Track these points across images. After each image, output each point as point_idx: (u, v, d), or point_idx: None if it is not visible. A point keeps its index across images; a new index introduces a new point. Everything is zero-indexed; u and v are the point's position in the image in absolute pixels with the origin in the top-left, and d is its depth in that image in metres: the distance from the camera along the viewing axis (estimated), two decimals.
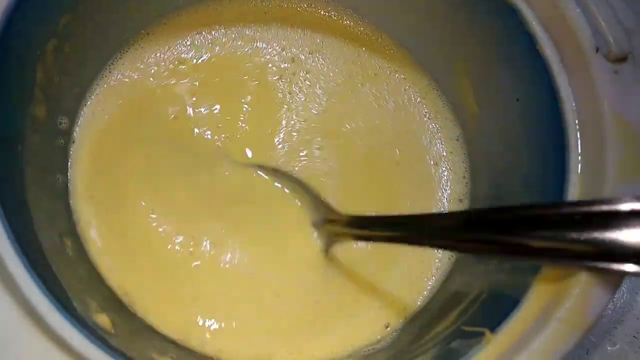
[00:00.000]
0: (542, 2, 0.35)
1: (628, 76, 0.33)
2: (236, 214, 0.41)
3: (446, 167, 0.44)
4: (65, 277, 0.32)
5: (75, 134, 0.41)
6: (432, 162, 0.45)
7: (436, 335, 0.35)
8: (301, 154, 0.43)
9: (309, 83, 0.45)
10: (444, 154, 0.45)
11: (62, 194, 0.39)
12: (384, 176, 0.44)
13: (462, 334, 0.31)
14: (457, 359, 0.29)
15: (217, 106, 0.44)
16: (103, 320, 0.32)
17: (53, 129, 0.39)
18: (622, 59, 0.33)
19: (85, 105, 0.42)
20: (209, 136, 0.43)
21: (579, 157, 0.33)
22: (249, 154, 0.43)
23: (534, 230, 0.27)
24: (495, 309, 0.32)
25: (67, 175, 0.40)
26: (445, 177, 0.44)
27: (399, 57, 0.47)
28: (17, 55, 0.34)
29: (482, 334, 0.30)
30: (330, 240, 0.40)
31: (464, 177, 0.44)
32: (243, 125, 0.44)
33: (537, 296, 0.30)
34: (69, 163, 0.41)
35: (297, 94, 0.45)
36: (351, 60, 0.46)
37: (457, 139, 0.45)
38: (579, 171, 0.33)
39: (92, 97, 0.43)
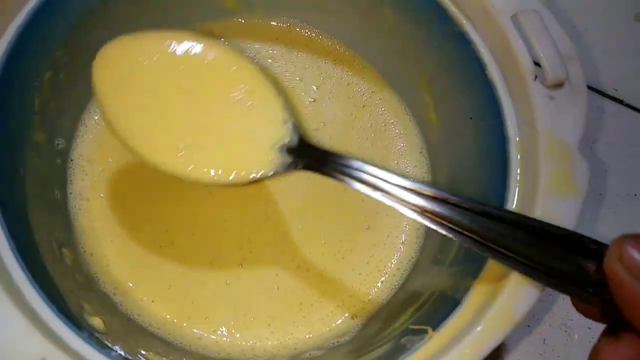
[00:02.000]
0: (489, 30, 0.39)
1: (562, 101, 0.37)
2: None
3: (414, 179, 0.48)
4: (63, 284, 0.36)
5: (72, 152, 0.46)
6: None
7: (393, 330, 0.39)
8: None
9: None
10: (409, 168, 0.49)
11: (61, 208, 0.43)
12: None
13: (411, 331, 0.36)
14: (403, 353, 0.33)
15: None
16: (96, 321, 0.36)
17: (51, 150, 0.43)
18: (558, 85, 0.37)
19: (80, 125, 0.47)
20: None
21: (518, 172, 0.37)
22: None
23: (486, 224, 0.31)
24: (440, 309, 0.36)
25: (64, 191, 0.44)
26: None
27: (370, 75, 0.51)
28: (17, 89, 0.38)
29: (426, 332, 0.34)
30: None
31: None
32: None
33: (473, 298, 0.34)
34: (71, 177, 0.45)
35: None
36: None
37: (421, 152, 0.49)
38: (517, 185, 0.37)
39: (86, 116, 0.47)
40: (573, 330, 0.50)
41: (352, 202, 0.47)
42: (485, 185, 0.40)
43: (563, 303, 0.50)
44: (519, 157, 0.37)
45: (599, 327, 0.48)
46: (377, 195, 0.32)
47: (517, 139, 0.38)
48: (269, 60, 0.51)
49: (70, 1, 0.40)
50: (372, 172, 0.33)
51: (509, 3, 0.39)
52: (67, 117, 0.45)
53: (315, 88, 0.51)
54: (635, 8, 0.62)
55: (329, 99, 0.50)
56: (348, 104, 0.50)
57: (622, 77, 0.59)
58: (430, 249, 0.45)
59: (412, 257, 0.46)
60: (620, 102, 0.58)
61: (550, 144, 0.36)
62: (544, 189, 0.35)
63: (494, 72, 0.39)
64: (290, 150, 0.35)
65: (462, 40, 0.40)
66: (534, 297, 0.32)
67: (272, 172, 0.35)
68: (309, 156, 0.35)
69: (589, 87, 0.57)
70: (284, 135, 0.36)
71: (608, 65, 0.59)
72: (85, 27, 0.42)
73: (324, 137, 0.49)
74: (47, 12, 0.38)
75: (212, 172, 0.35)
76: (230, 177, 0.35)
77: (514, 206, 0.36)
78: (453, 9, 0.41)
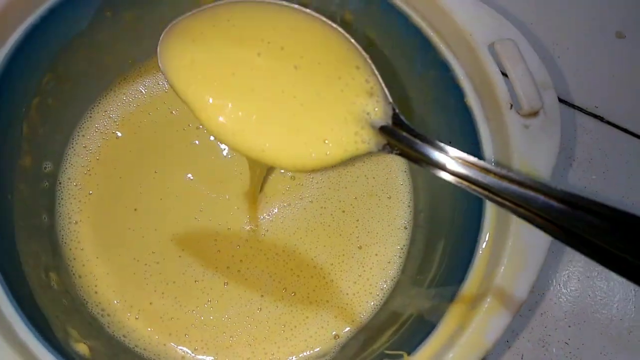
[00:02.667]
0: (469, 60, 0.40)
1: (536, 130, 0.38)
2: None
3: (397, 198, 0.50)
4: (50, 309, 0.37)
5: (60, 175, 0.47)
6: (387, 196, 0.50)
7: (372, 352, 0.40)
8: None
9: None
10: (395, 185, 0.50)
11: (48, 231, 0.44)
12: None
13: (388, 356, 0.37)
14: None
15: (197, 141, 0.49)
16: (82, 348, 0.37)
17: (38, 173, 0.44)
18: (533, 114, 0.38)
19: (69, 148, 0.48)
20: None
21: None
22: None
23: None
24: (416, 332, 0.37)
25: (51, 214, 0.45)
26: (396, 207, 0.49)
27: None
28: (5, 115, 0.39)
29: (402, 357, 0.35)
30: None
31: (409, 205, 0.49)
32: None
33: (448, 322, 0.35)
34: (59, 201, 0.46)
35: None
36: None
37: (405, 171, 0.50)
38: (491, 209, 0.38)
39: (75, 140, 0.48)
40: (551, 345, 0.51)
41: (349, 223, 0.48)
42: (461, 210, 0.42)
43: (541, 318, 0.51)
44: None
45: (575, 342, 0.50)
46: (477, 191, 0.31)
47: (493, 164, 0.39)
48: None
49: (54, 29, 0.41)
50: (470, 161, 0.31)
51: (487, 32, 0.40)
52: (55, 141, 0.46)
53: None
54: (616, 26, 0.63)
55: None
56: None
57: (603, 95, 0.60)
58: (410, 270, 0.46)
59: (394, 277, 0.47)
60: (601, 119, 0.60)
61: (524, 170, 0.37)
62: (517, 218, 0.36)
63: (472, 100, 0.40)
64: (385, 129, 0.33)
65: (443, 68, 0.41)
66: (505, 324, 0.34)
67: (364, 152, 0.33)
68: (402, 140, 0.33)
69: (569, 104, 0.58)
70: (377, 111, 0.34)
71: (588, 83, 0.60)
72: (71, 53, 0.43)
73: None
74: (31, 40, 0.39)
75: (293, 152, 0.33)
76: (313, 156, 0.33)
77: (487, 234, 0.37)
78: (435, 38, 0.42)
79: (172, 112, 0.50)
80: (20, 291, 0.35)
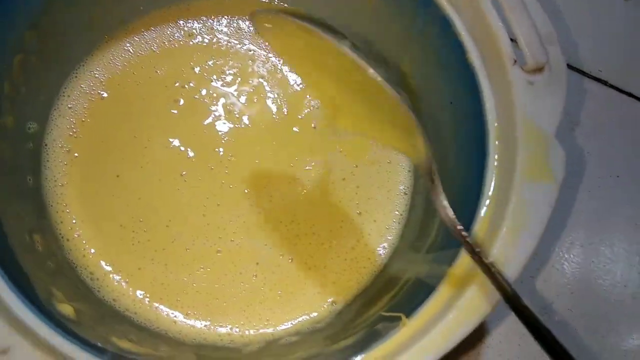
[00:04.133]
0: (470, 14, 0.39)
1: (541, 86, 0.36)
2: None
3: (396, 162, 0.48)
4: (33, 271, 0.36)
5: (46, 137, 0.45)
6: (387, 160, 0.48)
7: (368, 317, 0.39)
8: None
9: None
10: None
11: (32, 193, 0.43)
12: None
13: (386, 318, 0.36)
14: (377, 339, 0.33)
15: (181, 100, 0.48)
16: (66, 309, 0.36)
17: (22, 134, 0.42)
18: (538, 70, 0.37)
19: (54, 110, 0.46)
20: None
21: (495, 157, 0.37)
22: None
23: None
24: (414, 296, 0.36)
25: (37, 176, 0.44)
26: (395, 172, 0.48)
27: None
28: None
29: (399, 319, 0.34)
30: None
31: (409, 170, 0.48)
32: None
33: (447, 285, 0.34)
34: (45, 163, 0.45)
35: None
36: None
37: None
38: (494, 170, 0.36)
39: (60, 102, 0.46)
40: (553, 312, 0.50)
41: (350, 190, 0.47)
42: (464, 169, 0.40)
43: (543, 285, 0.50)
44: (497, 142, 0.37)
45: (578, 309, 0.49)
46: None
47: (496, 124, 0.37)
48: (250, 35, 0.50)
49: None
50: None
51: None
52: (39, 101, 0.44)
53: None
54: None
55: None
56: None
57: (608, 58, 0.58)
58: (409, 235, 0.45)
59: (393, 243, 0.46)
60: (605, 83, 0.58)
61: (527, 130, 0.35)
62: (520, 175, 0.35)
63: (474, 57, 0.39)
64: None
65: (444, 24, 0.40)
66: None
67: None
68: None
69: (573, 68, 0.56)
70: None
71: (593, 46, 0.58)
72: (57, 8, 0.41)
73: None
74: None
75: None
76: None
77: (490, 191, 0.36)
78: None
79: (156, 72, 0.48)
80: (1, 251, 0.34)
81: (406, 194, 0.47)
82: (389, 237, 0.46)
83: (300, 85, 0.49)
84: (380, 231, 0.46)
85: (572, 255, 0.51)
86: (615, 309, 0.50)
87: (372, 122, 0.47)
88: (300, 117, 0.48)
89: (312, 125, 0.48)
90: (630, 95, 0.57)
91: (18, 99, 0.41)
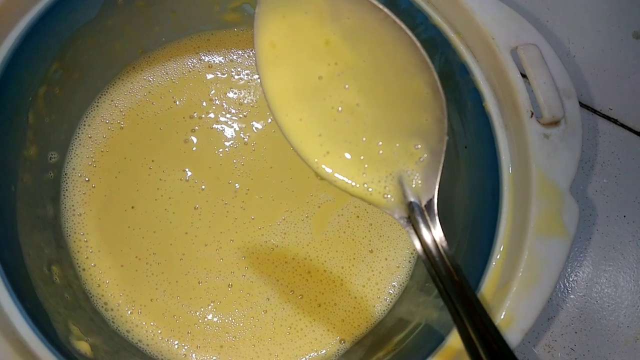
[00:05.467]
0: (489, 63, 0.39)
1: (557, 140, 0.37)
2: None
3: None
4: (51, 305, 0.36)
5: (65, 166, 0.46)
6: None
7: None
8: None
9: None
10: None
11: (51, 223, 0.43)
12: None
13: None
14: None
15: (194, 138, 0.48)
16: (83, 346, 0.36)
17: (44, 164, 0.43)
18: (554, 123, 0.37)
19: (74, 139, 0.46)
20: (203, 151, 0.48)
21: (509, 209, 0.37)
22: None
23: None
24: (424, 344, 0.36)
25: (56, 205, 0.44)
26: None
27: None
28: (11, 105, 0.38)
29: None
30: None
31: None
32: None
33: (457, 337, 0.34)
34: (64, 192, 0.45)
35: None
36: None
37: None
38: (507, 222, 0.37)
39: (80, 131, 0.47)
40: (556, 351, 0.51)
41: (363, 227, 0.47)
42: (475, 218, 0.41)
43: (547, 323, 0.51)
44: (510, 192, 0.37)
45: (581, 348, 0.50)
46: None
47: (510, 174, 0.38)
48: None
49: (64, 17, 0.40)
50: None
51: (509, 36, 0.38)
52: (61, 131, 0.45)
53: None
54: (633, 26, 0.61)
55: None
56: None
57: (618, 96, 0.59)
58: (419, 276, 0.45)
59: (403, 283, 0.46)
60: (615, 121, 0.58)
61: (542, 183, 0.36)
62: (533, 229, 0.35)
63: (491, 105, 0.39)
64: (415, 206, 0.34)
65: (462, 70, 0.40)
66: (516, 341, 0.33)
67: (381, 208, 0.34)
68: (419, 228, 0.34)
69: (583, 105, 0.57)
70: (413, 177, 0.35)
71: (603, 84, 0.59)
72: (80, 42, 0.42)
73: None
74: (39, 28, 0.38)
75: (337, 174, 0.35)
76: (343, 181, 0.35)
77: (503, 243, 0.36)
78: (455, 39, 0.40)
79: (175, 102, 0.49)
80: (22, 286, 0.35)
81: None
82: (399, 276, 0.46)
83: None
84: (390, 269, 0.46)
85: (577, 295, 0.52)
86: (618, 350, 0.51)
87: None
88: None
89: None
90: (639, 134, 0.58)
91: (41, 130, 0.41)
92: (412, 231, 0.34)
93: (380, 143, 0.35)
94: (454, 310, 0.31)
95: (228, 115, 0.49)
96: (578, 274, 0.53)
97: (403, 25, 0.35)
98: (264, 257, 0.45)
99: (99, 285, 0.44)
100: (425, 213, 0.34)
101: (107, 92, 0.48)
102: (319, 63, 0.36)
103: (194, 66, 0.49)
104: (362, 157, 0.35)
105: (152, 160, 0.47)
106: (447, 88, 0.43)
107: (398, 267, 0.46)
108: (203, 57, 0.49)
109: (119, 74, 0.48)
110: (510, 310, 0.33)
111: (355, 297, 0.46)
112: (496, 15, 0.39)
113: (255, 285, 0.45)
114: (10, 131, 0.38)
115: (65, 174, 0.45)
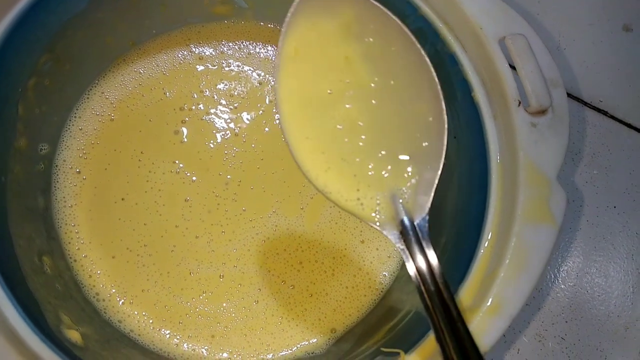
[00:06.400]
0: (478, 53, 0.39)
1: (544, 129, 0.37)
2: None
3: None
4: (42, 294, 0.36)
5: (56, 158, 0.46)
6: None
7: (367, 348, 0.40)
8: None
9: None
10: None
11: (42, 214, 0.43)
12: None
13: (384, 353, 0.36)
14: None
15: (185, 128, 0.48)
16: (73, 335, 0.36)
17: (34, 155, 0.43)
18: (541, 112, 0.38)
19: (65, 131, 0.46)
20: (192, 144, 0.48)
21: (497, 197, 0.38)
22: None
23: None
24: (413, 330, 0.37)
25: (47, 197, 0.44)
26: None
27: None
28: (1, 97, 0.38)
29: (398, 354, 0.34)
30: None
31: None
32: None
33: None
34: (55, 183, 0.45)
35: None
36: None
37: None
38: (495, 210, 0.37)
39: (71, 123, 0.47)
40: (547, 340, 0.51)
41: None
42: (464, 207, 0.41)
43: (538, 313, 0.51)
44: (498, 181, 0.38)
45: (572, 337, 0.50)
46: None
47: (498, 163, 0.38)
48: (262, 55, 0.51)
49: (54, 9, 0.40)
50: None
51: (498, 27, 0.39)
52: (52, 122, 0.45)
53: None
54: (623, 18, 0.62)
55: None
56: None
57: (608, 88, 0.59)
58: None
59: (393, 272, 0.46)
60: (605, 113, 0.59)
61: (529, 171, 0.36)
62: (520, 217, 0.35)
63: (479, 95, 0.39)
64: (404, 223, 0.35)
65: (451, 61, 0.41)
66: (503, 327, 0.33)
67: (371, 225, 0.35)
68: (410, 244, 0.34)
69: (574, 97, 0.57)
70: (405, 196, 0.36)
71: (594, 76, 0.59)
72: (71, 33, 0.42)
73: None
74: (28, 19, 0.38)
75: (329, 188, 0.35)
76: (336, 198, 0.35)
77: (491, 231, 0.37)
78: (444, 30, 0.41)
79: (165, 94, 0.49)
80: (13, 276, 0.35)
81: None
82: (390, 266, 0.46)
83: None
84: (381, 259, 0.47)
85: (567, 285, 0.52)
86: (608, 339, 0.51)
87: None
88: None
89: None
90: (629, 126, 0.58)
91: (32, 121, 0.41)
92: (403, 247, 0.34)
93: (372, 165, 0.36)
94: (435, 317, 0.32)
95: (219, 107, 0.49)
96: (568, 264, 0.53)
97: (423, 52, 0.36)
98: (256, 248, 0.46)
99: (90, 276, 0.44)
100: (417, 230, 0.34)
101: (97, 84, 0.48)
102: (333, 77, 0.36)
103: (184, 58, 0.49)
104: (355, 175, 0.35)
105: (142, 152, 0.47)
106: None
107: (389, 257, 0.47)
108: (194, 49, 0.50)
109: (110, 66, 0.48)
110: (498, 296, 0.34)
111: (347, 287, 0.46)
112: (484, 6, 0.39)
113: (246, 276, 0.45)
114: (1, 122, 0.38)
115: (56, 166, 0.46)
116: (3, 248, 0.35)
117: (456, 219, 0.41)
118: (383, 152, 0.36)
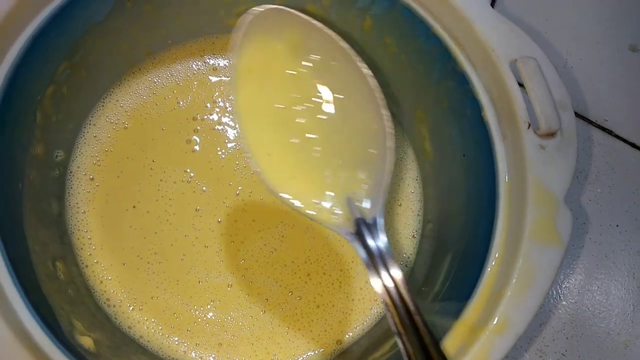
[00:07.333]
0: (488, 74, 0.40)
1: (553, 151, 0.38)
2: None
3: (407, 206, 0.50)
4: (56, 301, 0.37)
5: (71, 164, 0.46)
6: (398, 203, 0.50)
7: None
8: None
9: None
10: (406, 193, 0.50)
11: (56, 220, 0.44)
12: None
13: None
14: None
15: (196, 137, 0.49)
16: (86, 341, 0.37)
17: (50, 161, 0.44)
18: (550, 134, 0.38)
19: (80, 137, 0.47)
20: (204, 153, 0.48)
21: (505, 216, 0.38)
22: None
23: None
24: None
25: (61, 202, 0.45)
26: (405, 216, 0.49)
27: None
28: (20, 104, 0.38)
29: None
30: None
31: (418, 214, 0.49)
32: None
33: (452, 340, 0.35)
34: (69, 189, 0.46)
35: None
36: None
37: (417, 180, 0.50)
38: (503, 229, 0.38)
39: (86, 129, 0.48)
40: (548, 356, 0.51)
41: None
42: (471, 224, 0.42)
43: (539, 329, 0.52)
44: (506, 201, 0.38)
45: (572, 354, 0.51)
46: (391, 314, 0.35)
47: (507, 182, 0.39)
48: None
49: (75, 18, 0.40)
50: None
51: (509, 49, 0.39)
52: (68, 129, 0.46)
53: None
54: (629, 39, 0.62)
55: None
56: None
57: (613, 108, 0.60)
58: (415, 280, 0.46)
59: None
60: (610, 132, 0.59)
61: (537, 192, 0.37)
62: (528, 237, 0.36)
63: (489, 115, 0.40)
64: (362, 222, 0.37)
65: (462, 80, 0.41)
66: (509, 345, 0.34)
67: (328, 226, 0.37)
68: (365, 241, 0.36)
69: (579, 116, 0.58)
70: (359, 198, 0.39)
71: (600, 95, 0.60)
72: (89, 42, 0.43)
73: None
74: (50, 29, 0.39)
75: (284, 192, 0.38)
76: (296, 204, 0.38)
77: (498, 250, 0.37)
78: (456, 49, 0.41)
79: (179, 103, 0.49)
80: (28, 281, 0.35)
81: (414, 237, 0.48)
82: None
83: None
84: None
85: (569, 301, 0.53)
86: (609, 356, 0.52)
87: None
88: None
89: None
90: (633, 145, 0.59)
91: (48, 128, 0.42)
92: (358, 245, 0.36)
93: (330, 170, 0.39)
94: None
95: (231, 117, 0.49)
96: (570, 281, 0.53)
97: (361, 65, 0.40)
98: (264, 259, 0.46)
99: (102, 282, 0.44)
100: (373, 228, 0.37)
101: (112, 92, 0.49)
102: (285, 94, 0.40)
103: (198, 69, 0.50)
104: (312, 183, 0.38)
105: (153, 161, 0.47)
106: (446, 96, 0.44)
107: None
108: (208, 60, 0.50)
109: (125, 75, 0.49)
110: (504, 316, 0.34)
111: (353, 299, 0.46)
112: (497, 28, 0.40)
113: (254, 285, 0.46)
114: (18, 130, 0.39)
115: (70, 172, 0.46)
116: (19, 254, 0.36)
117: (464, 236, 0.42)
118: (337, 161, 0.39)
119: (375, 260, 0.36)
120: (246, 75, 0.39)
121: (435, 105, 0.46)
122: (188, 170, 0.47)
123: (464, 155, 0.43)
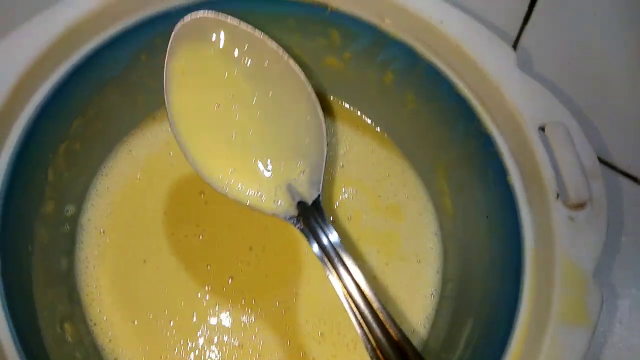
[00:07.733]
0: (514, 136, 0.39)
1: (582, 222, 0.36)
2: None
3: (426, 262, 0.48)
4: None
5: (81, 217, 0.45)
6: (417, 259, 0.48)
7: None
8: None
9: None
10: (425, 248, 0.48)
11: (65, 278, 0.43)
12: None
13: None
14: None
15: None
16: None
17: (60, 218, 0.43)
18: (580, 205, 0.37)
19: (91, 189, 0.46)
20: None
21: (531, 286, 0.36)
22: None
23: None
24: None
25: (70, 258, 0.44)
26: (424, 272, 0.48)
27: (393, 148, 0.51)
28: (33, 163, 0.37)
29: None
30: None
31: (438, 272, 0.48)
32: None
33: None
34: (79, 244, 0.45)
35: None
36: None
37: (436, 234, 0.49)
38: (528, 297, 0.36)
39: (98, 181, 0.47)
40: None
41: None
42: (495, 290, 0.40)
43: None
44: (532, 270, 0.37)
45: None
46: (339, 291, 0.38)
47: (533, 250, 0.37)
48: None
49: (92, 75, 0.39)
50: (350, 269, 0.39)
51: (537, 112, 0.38)
52: (79, 183, 0.45)
53: (342, 152, 0.50)
54: None
55: (355, 164, 0.50)
56: (373, 170, 0.50)
57: (636, 154, 0.58)
58: (434, 345, 0.44)
59: (418, 347, 0.45)
60: (635, 179, 0.58)
61: (565, 267, 0.35)
62: (556, 315, 0.34)
63: (515, 180, 0.39)
64: (302, 205, 0.41)
65: (486, 142, 0.40)
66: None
67: (271, 213, 0.41)
68: (310, 222, 0.41)
69: (602, 161, 0.56)
70: (299, 184, 0.42)
71: (623, 141, 0.58)
72: (104, 96, 0.42)
73: (350, 199, 0.49)
74: (67, 88, 0.38)
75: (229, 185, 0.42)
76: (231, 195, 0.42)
77: (523, 327, 0.36)
78: (481, 110, 0.40)
79: None
80: (35, 351, 0.34)
81: (434, 296, 0.47)
82: (413, 340, 0.45)
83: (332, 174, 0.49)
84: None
85: None
86: None
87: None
88: (335, 206, 0.48)
89: (348, 216, 0.48)
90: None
91: (59, 185, 0.41)
92: (304, 227, 0.41)
93: (269, 163, 0.42)
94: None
95: None
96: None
97: (290, 61, 0.42)
98: (276, 318, 0.45)
99: (110, 340, 0.43)
100: (316, 212, 0.41)
101: (125, 141, 0.48)
102: (219, 94, 0.42)
103: None
104: (253, 174, 0.42)
105: (165, 213, 0.46)
106: (469, 155, 0.43)
107: (412, 331, 0.46)
108: None
109: (139, 124, 0.48)
110: None
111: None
112: (525, 90, 0.38)
113: (266, 346, 0.44)
114: (29, 191, 0.38)
115: (81, 225, 0.45)
116: (27, 320, 0.35)
117: (486, 302, 0.40)
118: (275, 152, 0.43)
119: (328, 251, 0.39)
120: (180, 78, 0.41)
121: (457, 163, 0.45)
122: (199, 225, 0.46)
123: (487, 217, 0.42)
